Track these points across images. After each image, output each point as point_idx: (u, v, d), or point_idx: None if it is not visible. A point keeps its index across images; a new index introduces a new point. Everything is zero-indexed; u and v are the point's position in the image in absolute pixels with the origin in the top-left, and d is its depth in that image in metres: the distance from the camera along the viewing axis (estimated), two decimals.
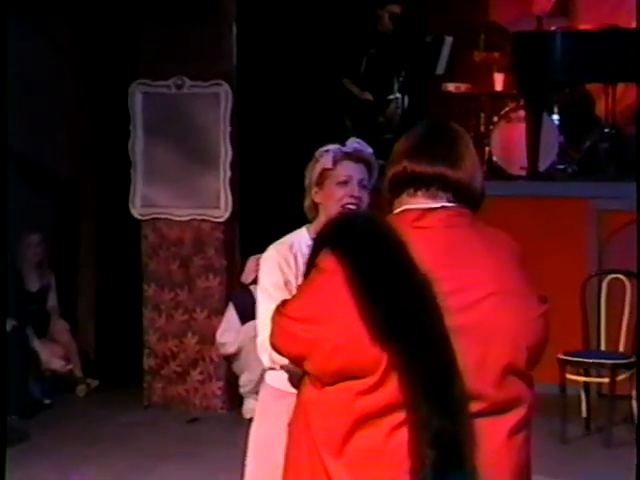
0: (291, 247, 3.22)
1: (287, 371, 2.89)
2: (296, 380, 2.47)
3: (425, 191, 2.33)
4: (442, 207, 2.32)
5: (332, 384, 2.25)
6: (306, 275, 2.38)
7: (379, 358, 2.16)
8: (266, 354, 3.04)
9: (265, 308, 3.08)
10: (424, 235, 2.27)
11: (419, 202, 2.33)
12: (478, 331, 2.21)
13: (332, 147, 3.29)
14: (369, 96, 8.14)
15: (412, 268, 2.19)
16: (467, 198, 2.35)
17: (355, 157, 3.25)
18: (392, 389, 2.16)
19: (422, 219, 2.30)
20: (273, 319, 2.36)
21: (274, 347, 2.38)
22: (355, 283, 2.19)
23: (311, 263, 2.34)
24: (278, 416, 3.12)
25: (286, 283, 3.16)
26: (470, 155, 2.36)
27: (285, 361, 2.50)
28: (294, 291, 2.93)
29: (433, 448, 2.11)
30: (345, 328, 2.20)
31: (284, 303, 2.37)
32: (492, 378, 2.22)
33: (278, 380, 3.16)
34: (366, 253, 2.22)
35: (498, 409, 2.23)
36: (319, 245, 2.33)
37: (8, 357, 5.62)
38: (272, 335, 2.36)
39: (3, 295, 5.03)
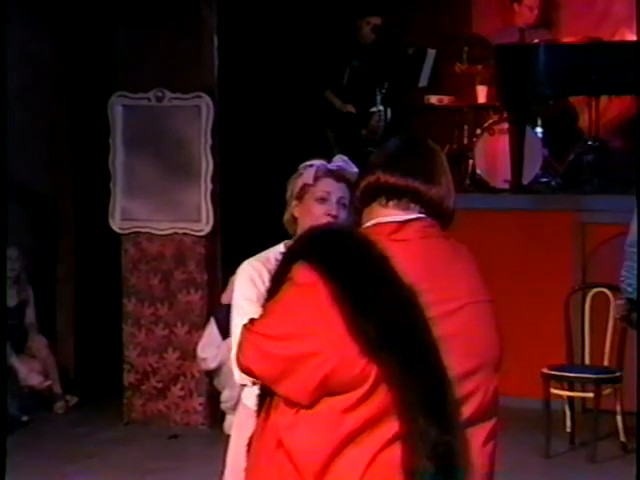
0: (266, 262, 3.19)
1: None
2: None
3: (397, 202, 2.34)
4: (417, 218, 2.33)
5: (310, 406, 2.20)
6: (271, 290, 2.34)
7: (367, 372, 2.15)
8: (238, 369, 3.01)
9: (238, 324, 3.04)
10: (403, 248, 2.27)
11: (391, 214, 2.33)
12: (458, 341, 2.23)
13: (317, 162, 3.28)
14: (351, 108, 8.11)
15: (397, 281, 2.20)
16: (438, 214, 2.36)
17: (337, 175, 3.22)
18: (378, 402, 2.16)
19: (399, 231, 2.30)
20: (242, 338, 2.30)
21: (243, 367, 2.31)
22: (341, 297, 2.17)
23: (279, 277, 2.31)
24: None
25: (258, 298, 3.10)
26: (445, 173, 2.39)
27: None
28: None
29: (430, 459, 2.12)
30: (331, 342, 2.17)
31: (253, 321, 2.31)
32: (475, 388, 2.25)
33: (252, 398, 3.11)
34: (350, 267, 2.21)
35: (478, 419, 2.25)
36: (291, 259, 2.29)
37: None
38: (242, 355, 2.30)
39: (2, 295, 4.99)
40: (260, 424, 2.34)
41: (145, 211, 6.98)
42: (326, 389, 2.19)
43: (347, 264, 2.21)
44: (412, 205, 2.33)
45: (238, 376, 3.03)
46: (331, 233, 2.36)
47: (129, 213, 7.02)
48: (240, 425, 3.31)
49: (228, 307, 4.22)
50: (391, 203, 2.33)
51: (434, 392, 2.15)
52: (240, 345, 2.31)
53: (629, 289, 5.45)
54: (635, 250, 5.46)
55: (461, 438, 2.17)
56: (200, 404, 6.93)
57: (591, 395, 6.22)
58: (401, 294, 2.19)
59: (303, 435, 2.21)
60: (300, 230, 3.19)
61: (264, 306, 2.39)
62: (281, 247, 3.24)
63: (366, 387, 2.16)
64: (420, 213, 2.33)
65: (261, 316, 2.33)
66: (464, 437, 2.18)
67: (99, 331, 7.57)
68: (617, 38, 8.23)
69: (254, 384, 2.85)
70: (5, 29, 4.58)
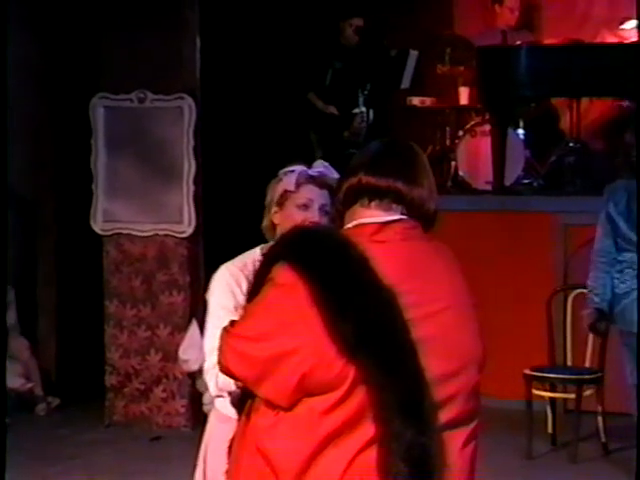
0: (243, 268, 3.11)
1: (233, 397, 2.79)
2: (241, 405, 2.39)
3: (379, 202, 2.33)
4: (399, 220, 2.33)
5: (290, 408, 2.20)
6: (251, 293, 2.33)
7: (345, 372, 2.15)
8: (212, 381, 2.96)
9: (213, 333, 2.96)
10: (383, 249, 2.27)
11: (373, 214, 2.33)
12: (439, 343, 2.22)
13: (297, 168, 3.20)
14: (334, 110, 8.11)
15: (377, 282, 2.19)
16: (420, 215, 2.36)
17: (319, 182, 3.16)
18: (356, 403, 2.15)
19: (380, 233, 2.30)
20: (222, 341, 2.29)
21: (225, 371, 2.30)
22: (319, 297, 2.17)
23: (259, 279, 2.29)
24: (222, 439, 2.99)
25: (236, 307, 3.04)
26: (427, 175, 2.38)
27: (232, 387, 2.43)
28: None
29: (405, 461, 2.11)
30: (310, 342, 2.17)
31: (233, 324, 2.31)
32: (455, 390, 2.24)
33: (225, 405, 3.07)
34: (330, 267, 2.20)
35: (458, 422, 2.24)
36: (271, 260, 2.28)
37: None
38: (222, 358, 2.29)
39: (2, 295, 4.98)
40: (241, 427, 2.33)
41: (127, 213, 6.96)
42: (305, 390, 2.19)
43: (327, 265, 2.21)
44: (394, 206, 2.33)
45: (213, 387, 2.99)
46: (312, 234, 2.35)
47: (111, 214, 7.00)
48: (211, 431, 3.28)
49: None
50: (373, 204, 2.33)
51: (410, 394, 2.15)
52: (220, 348, 2.30)
53: (596, 299, 5.51)
54: (603, 260, 5.49)
55: (438, 441, 2.16)
56: (182, 406, 6.91)
57: (573, 396, 6.23)
58: (380, 295, 2.18)
59: (283, 437, 2.21)
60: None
61: (244, 307, 2.39)
62: (257, 251, 3.18)
63: (344, 388, 2.16)
64: (402, 214, 2.33)
65: (241, 318, 2.33)
66: (441, 440, 2.17)
67: (81, 333, 7.54)
68: (598, 40, 8.27)
69: (230, 395, 2.83)
70: (5, 29, 4.56)
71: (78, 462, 6.21)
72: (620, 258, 5.47)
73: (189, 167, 6.87)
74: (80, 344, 7.55)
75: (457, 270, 2.38)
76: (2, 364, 4.98)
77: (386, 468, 2.13)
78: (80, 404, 7.26)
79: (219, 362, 2.31)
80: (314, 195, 3.14)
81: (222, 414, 3.18)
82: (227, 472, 2.36)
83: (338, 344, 2.15)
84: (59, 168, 7.73)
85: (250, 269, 3.08)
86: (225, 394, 2.89)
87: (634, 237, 5.35)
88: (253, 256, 3.15)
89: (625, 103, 7.89)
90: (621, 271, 5.47)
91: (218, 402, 3.22)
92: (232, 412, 2.97)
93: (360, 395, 2.15)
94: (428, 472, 2.14)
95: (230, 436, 2.98)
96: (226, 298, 3.09)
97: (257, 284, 2.31)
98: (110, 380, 7.03)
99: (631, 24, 8.08)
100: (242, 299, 3.04)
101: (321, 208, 3.14)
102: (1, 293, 4.87)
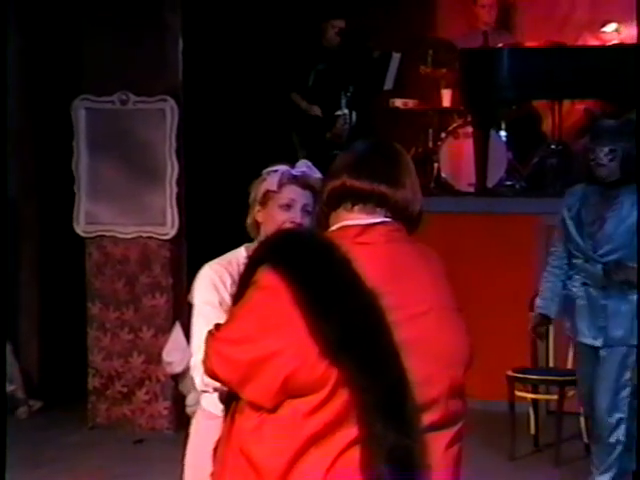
0: (227, 266, 3.16)
1: (220, 393, 2.82)
2: (228, 402, 2.43)
3: (362, 206, 2.33)
4: (382, 222, 2.32)
5: (274, 410, 2.21)
6: (237, 295, 2.33)
7: (328, 374, 2.15)
8: (199, 376, 3.00)
9: (198, 329, 3.04)
10: (367, 251, 2.27)
11: (357, 217, 2.33)
12: (422, 345, 2.23)
13: (281, 168, 3.23)
14: (317, 111, 8.11)
15: (360, 284, 2.19)
16: (404, 217, 2.36)
17: (302, 182, 3.19)
18: (339, 405, 2.16)
19: (363, 235, 2.30)
20: (207, 344, 2.30)
21: (210, 374, 2.31)
22: (303, 300, 2.17)
23: (244, 282, 2.30)
24: (209, 437, 3.05)
25: (221, 303, 3.10)
26: (410, 176, 2.37)
27: (217, 383, 2.44)
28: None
29: (388, 463, 2.11)
30: (293, 345, 2.17)
31: (218, 327, 2.31)
32: (439, 392, 2.24)
33: (211, 404, 3.11)
34: (313, 269, 2.20)
35: (442, 424, 2.25)
36: (255, 263, 2.29)
37: None
38: (207, 361, 2.30)
39: (3, 299, 4.98)
40: (226, 429, 2.34)
41: (110, 215, 6.95)
42: (288, 392, 2.19)
43: (309, 267, 2.21)
44: (378, 209, 2.33)
45: (199, 383, 3.03)
46: (294, 236, 2.35)
47: (93, 217, 6.98)
48: (198, 429, 3.30)
49: None
50: (356, 208, 2.33)
51: (392, 396, 2.14)
52: (205, 351, 2.31)
53: (540, 303, 5.53)
54: (554, 264, 5.45)
55: (421, 442, 2.16)
56: (165, 408, 6.90)
57: (555, 397, 6.25)
58: (362, 297, 2.18)
59: (266, 438, 2.21)
60: (262, 235, 3.16)
61: (229, 311, 2.39)
62: (242, 250, 3.23)
63: (327, 390, 2.16)
64: (386, 217, 2.33)
65: (226, 321, 2.34)
66: (424, 441, 2.17)
67: (63, 335, 7.51)
68: (580, 43, 8.31)
69: (215, 391, 2.85)
70: (5, 30, 4.55)
71: (61, 465, 6.19)
72: (573, 262, 5.41)
73: (172, 169, 6.86)
74: (62, 346, 7.52)
75: (441, 272, 2.38)
76: (2, 364, 4.97)
77: (368, 469, 2.13)
78: (62, 407, 7.24)
79: (204, 364, 2.32)
80: (296, 195, 3.17)
81: (208, 412, 3.20)
82: (212, 474, 2.36)
83: (320, 346, 2.15)
84: (41, 170, 7.71)
85: (234, 267, 3.13)
86: (211, 390, 2.93)
87: (582, 244, 5.30)
88: (237, 254, 3.20)
89: (583, 106, 7.95)
90: (570, 277, 5.43)
91: (204, 399, 3.24)
92: (218, 409, 3.01)
93: (343, 397, 2.16)
94: (410, 474, 2.14)
95: (216, 433, 3.04)
96: (210, 294, 3.13)
97: (242, 287, 2.31)
98: (93, 382, 7.01)
99: (612, 27, 8.13)
100: (226, 295, 3.10)
101: (303, 208, 3.17)
102: (1, 294, 4.85)
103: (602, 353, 5.29)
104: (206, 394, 3.14)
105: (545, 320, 5.59)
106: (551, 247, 5.63)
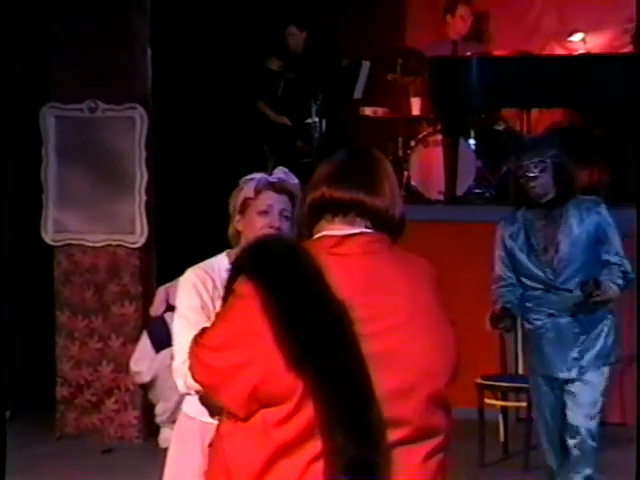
0: (210, 271, 3.22)
1: (201, 396, 2.89)
2: (210, 404, 2.47)
3: (343, 217, 2.32)
4: (361, 233, 2.31)
5: (246, 418, 2.21)
6: (225, 300, 2.36)
7: (295, 385, 2.15)
8: (181, 379, 3.05)
9: (181, 332, 3.09)
10: (341, 262, 2.26)
11: (337, 228, 2.32)
12: (395, 358, 2.21)
13: (257, 176, 3.31)
14: (286, 120, 8.12)
15: (328, 295, 2.18)
16: (386, 225, 2.34)
17: (278, 187, 3.26)
18: (307, 416, 2.15)
19: (340, 245, 2.29)
20: (190, 349, 2.34)
21: (195, 380, 2.35)
22: (270, 309, 2.17)
23: (229, 289, 2.31)
24: (192, 441, 3.17)
25: (203, 307, 3.16)
26: (389, 182, 2.37)
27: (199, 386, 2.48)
28: (212, 315, 2.92)
29: (348, 476, 2.10)
30: (261, 355, 2.17)
31: (202, 332, 2.34)
32: (413, 406, 2.22)
33: (193, 407, 3.17)
34: (281, 278, 2.20)
35: (417, 437, 2.22)
36: (236, 270, 2.30)
37: None
38: (191, 366, 2.34)
39: (3, 301, 4.95)
40: (215, 431, 2.37)
41: (78, 223, 6.92)
42: (258, 401, 2.19)
43: (280, 276, 2.21)
44: (358, 219, 2.31)
45: (182, 385, 3.07)
46: (268, 245, 2.34)
47: (62, 225, 6.94)
48: (180, 434, 3.32)
49: (161, 320, 4.19)
50: (337, 219, 2.32)
51: (354, 409, 2.12)
52: (189, 356, 2.35)
53: (502, 299, 4.97)
54: (503, 284, 4.96)
55: (384, 456, 2.14)
56: (135, 417, 6.87)
57: (524, 405, 6.26)
58: (330, 309, 2.17)
59: (239, 445, 2.22)
60: (244, 243, 3.20)
61: (215, 316, 2.43)
62: (224, 256, 3.28)
63: (294, 401, 2.15)
64: (367, 227, 2.31)
65: (209, 327, 2.36)
66: (388, 456, 2.14)
67: (32, 344, 7.46)
68: (547, 52, 8.36)
69: (197, 393, 2.91)
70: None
71: (29, 475, 6.13)
72: (528, 294, 4.90)
73: (141, 177, 6.84)
74: (31, 355, 7.47)
75: (425, 283, 2.35)
76: (2, 364, 4.93)
77: None
78: (31, 416, 7.19)
79: (190, 369, 2.35)
80: (273, 201, 3.24)
81: (191, 418, 3.24)
82: (205, 474, 2.39)
83: (286, 357, 2.15)
84: (9, 178, 7.65)
85: (216, 271, 3.18)
86: (193, 392, 2.98)
87: (541, 274, 4.81)
88: (219, 260, 3.26)
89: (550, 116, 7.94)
90: (530, 309, 4.92)
91: (186, 402, 3.28)
92: (200, 412, 3.05)
93: (310, 409, 2.15)
94: None
95: (197, 434, 3.08)
96: (193, 298, 3.18)
97: (227, 293, 2.33)
98: (61, 392, 6.97)
99: (579, 36, 8.19)
100: (208, 299, 3.15)
101: (281, 213, 3.24)
102: (1, 295, 4.83)
103: (576, 383, 4.82)
104: (188, 397, 3.19)
105: (507, 312, 4.92)
106: (496, 277, 5.05)
